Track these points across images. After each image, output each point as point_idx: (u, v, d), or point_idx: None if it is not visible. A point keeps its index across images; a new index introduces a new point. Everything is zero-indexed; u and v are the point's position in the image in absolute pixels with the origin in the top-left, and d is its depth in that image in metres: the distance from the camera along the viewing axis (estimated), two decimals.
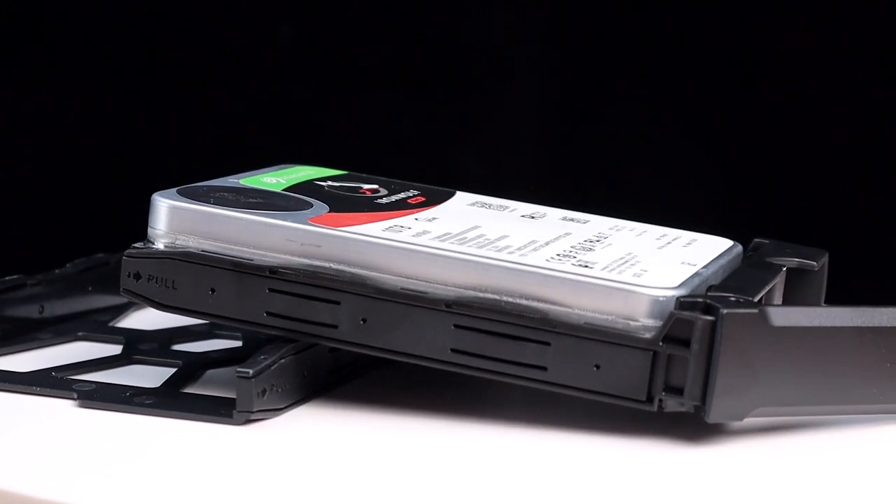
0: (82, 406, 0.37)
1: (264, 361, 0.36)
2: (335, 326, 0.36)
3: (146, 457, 0.34)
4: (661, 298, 0.34)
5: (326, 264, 0.36)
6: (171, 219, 0.37)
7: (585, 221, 0.41)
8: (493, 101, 0.67)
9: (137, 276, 0.37)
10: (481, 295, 0.35)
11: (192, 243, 0.37)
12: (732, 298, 0.34)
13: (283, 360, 0.36)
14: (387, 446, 0.35)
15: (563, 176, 0.68)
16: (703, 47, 0.65)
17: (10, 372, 0.39)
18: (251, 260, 0.37)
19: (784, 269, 0.40)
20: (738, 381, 0.34)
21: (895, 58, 0.63)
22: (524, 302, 0.35)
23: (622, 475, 0.33)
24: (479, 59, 0.67)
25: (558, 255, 0.36)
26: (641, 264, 0.36)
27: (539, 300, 0.35)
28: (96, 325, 0.45)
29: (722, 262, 0.38)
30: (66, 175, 0.69)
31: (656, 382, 0.34)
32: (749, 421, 0.35)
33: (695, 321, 0.34)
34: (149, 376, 0.40)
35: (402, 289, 0.36)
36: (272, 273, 0.36)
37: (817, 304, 0.41)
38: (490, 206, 0.42)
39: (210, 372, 0.40)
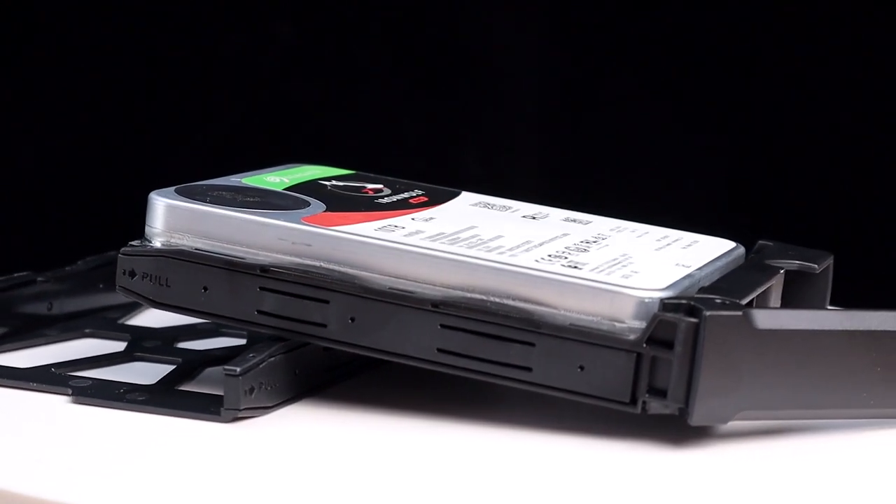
0: (76, 402, 0.37)
1: (253, 359, 0.36)
2: (324, 325, 0.36)
3: (134, 454, 0.34)
4: (646, 300, 0.34)
5: (317, 263, 0.36)
6: (166, 217, 0.38)
7: (587, 222, 0.41)
8: (494, 101, 0.67)
9: (132, 274, 0.38)
10: (468, 295, 0.35)
11: (187, 241, 0.37)
12: (718, 300, 0.34)
13: (272, 359, 0.36)
14: (373, 446, 0.35)
15: (563, 176, 0.68)
16: (704, 47, 0.65)
17: (11, 367, 0.40)
18: (243, 259, 0.37)
19: (781, 271, 0.39)
20: (723, 383, 0.33)
21: (895, 58, 0.63)
22: (510, 302, 0.35)
23: (606, 477, 0.33)
24: (479, 59, 0.67)
25: (549, 255, 0.36)
26: (633, 266, 0.36)
27: (526, 301, 0.35)
28: (104, 322, 0.45)
29: (719, 264, 0.38)
30: (66, 175, 0.69)
31: (640, 384, 0.34)
32: (734, 424, 0.35)
33: (678, 323, 0.33)
34: (148, 373, 0.40)
35: (389, 288, 0.36)
36: (263, 272, 0.36)
37: (820, 307, 0.40)
38: (493, 206, 0.42)
39: (208, 370, 0.40)
